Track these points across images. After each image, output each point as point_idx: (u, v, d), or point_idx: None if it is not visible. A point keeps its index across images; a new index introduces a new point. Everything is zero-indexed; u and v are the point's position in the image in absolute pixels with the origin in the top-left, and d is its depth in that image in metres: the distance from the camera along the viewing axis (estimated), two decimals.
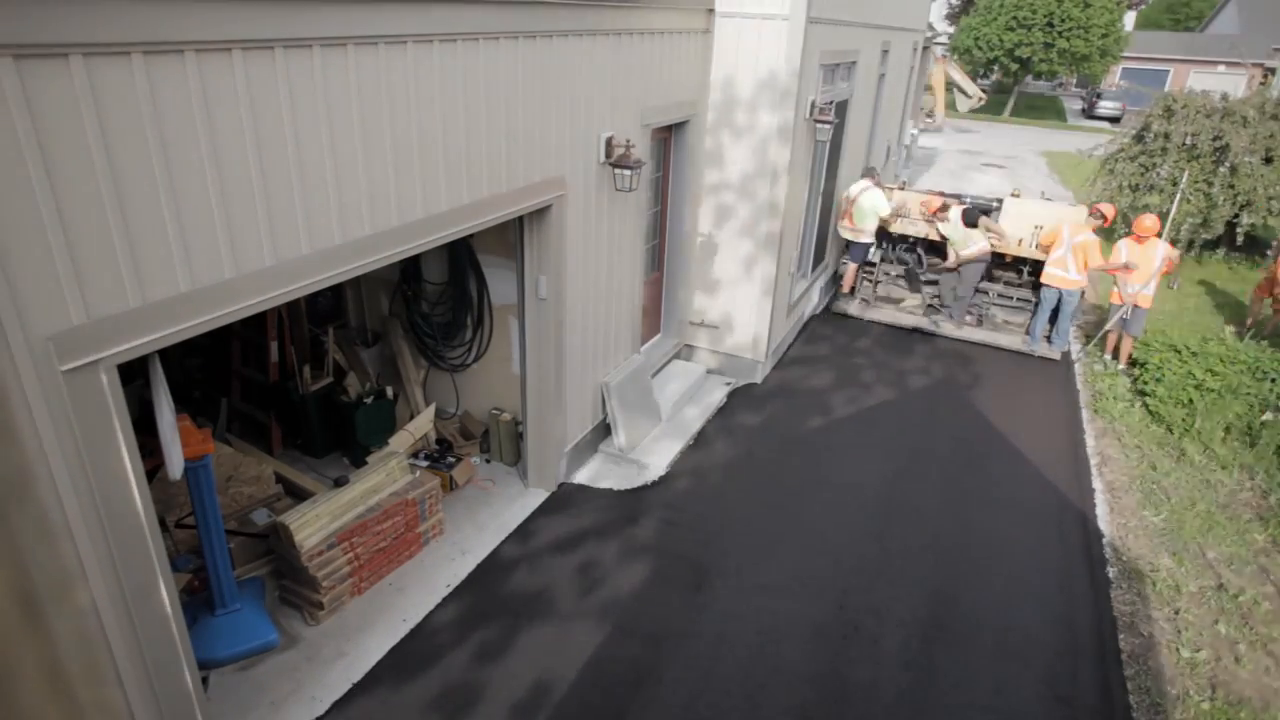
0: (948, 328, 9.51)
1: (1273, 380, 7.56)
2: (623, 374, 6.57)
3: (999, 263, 9.59)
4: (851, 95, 9.05)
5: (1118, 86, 36.99)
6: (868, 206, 9.27)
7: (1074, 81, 46.18)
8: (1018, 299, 9.57)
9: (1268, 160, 11.77)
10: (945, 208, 9.27)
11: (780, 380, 8.12)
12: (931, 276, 9.92)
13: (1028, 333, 9.27)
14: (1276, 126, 11.82)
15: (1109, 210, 8.84)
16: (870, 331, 9.61)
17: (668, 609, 4.90)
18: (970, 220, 9.06)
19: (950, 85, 24.13)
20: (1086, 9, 31.05)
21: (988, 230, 9.11)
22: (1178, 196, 11.53)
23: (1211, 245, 12.96)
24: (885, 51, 10.65)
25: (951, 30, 36.37)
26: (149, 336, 2.77)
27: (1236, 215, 12.03)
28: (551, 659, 4.45)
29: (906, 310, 10.06)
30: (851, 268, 10.00)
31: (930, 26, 18.18)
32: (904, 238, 9.93)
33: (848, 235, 9.66)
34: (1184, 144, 12.04)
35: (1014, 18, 32.05)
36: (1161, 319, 10.12)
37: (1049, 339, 9.13)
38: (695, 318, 7.90)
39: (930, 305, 9.92)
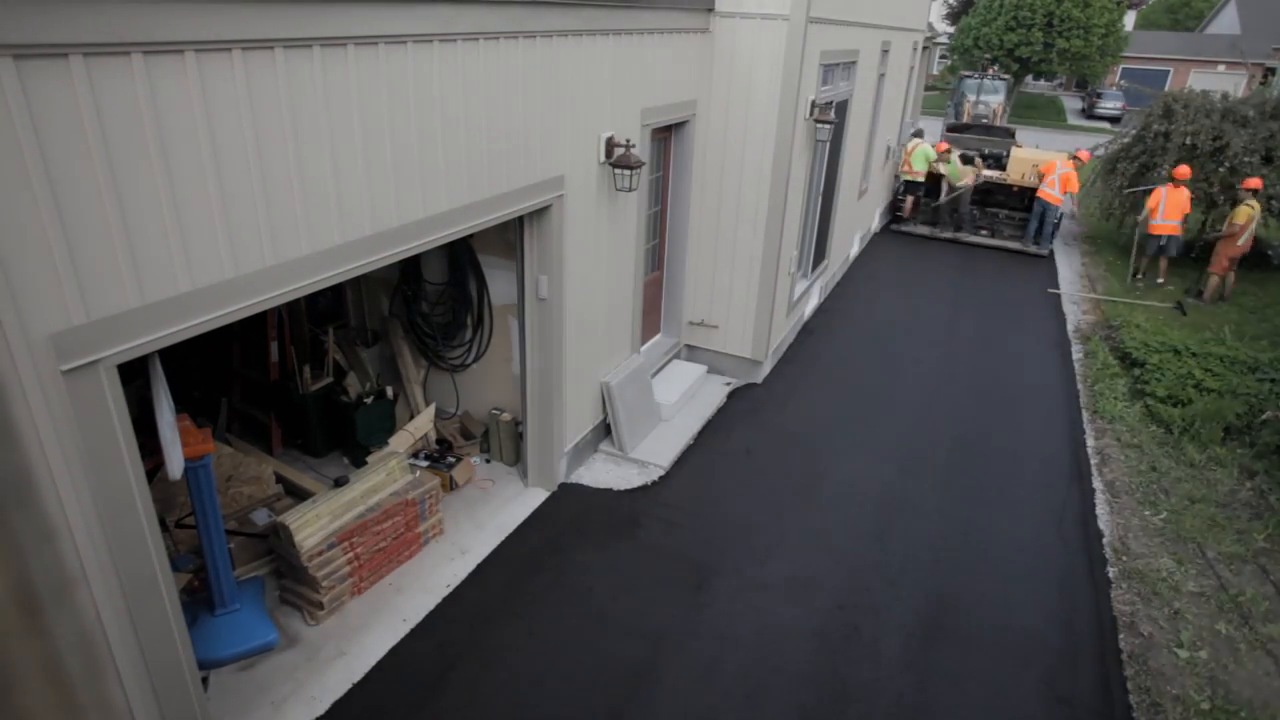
0: (973, 237, 13.81)
1: (1273, 380, 7.56)
2: (623, 374, 6.57)
3: (1006, 192, 14.07)
4: (851, 95, 9.05)
5: (1116, 86, 36.99)
6: (920, 154, 13.73)
7: (1074, 82, 46.20)
8: (1019, 218, 13.98)
9: (1267, 160, 11.75)
10: (949, 150, 13.87)
11: (780, 379, 8.11)
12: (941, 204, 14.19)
13: (1023, 235, 13.53)
14: (1276, 126, 11.80)
15: (1084, 155, 13.72)
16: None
17: (668, 609, 4.90)
18: (965, 160, 14.05)
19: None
20: (1086, 9, 30.98)
21: (976, 169, 14.05)
22: None
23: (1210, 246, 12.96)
24: (885, 51, 10.66)
25: (951, 30, 36.32)
26: (149, 336, 2.77)
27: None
28: (551, 659, 4.45)
29: (937, 229, 14.16)
30: (910, 199, 14.24)
31: (930, 27, 18.21)
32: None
33: (907, 177, 14.08)
34: (1184, 144, 12.02)
35: (1014, 18, 32.01)
36: (1162, 318, 10.15)
37: (1038, 242, 13.23)
38: (695, 318, 7.90)
39: (928, 222, 14.28)
